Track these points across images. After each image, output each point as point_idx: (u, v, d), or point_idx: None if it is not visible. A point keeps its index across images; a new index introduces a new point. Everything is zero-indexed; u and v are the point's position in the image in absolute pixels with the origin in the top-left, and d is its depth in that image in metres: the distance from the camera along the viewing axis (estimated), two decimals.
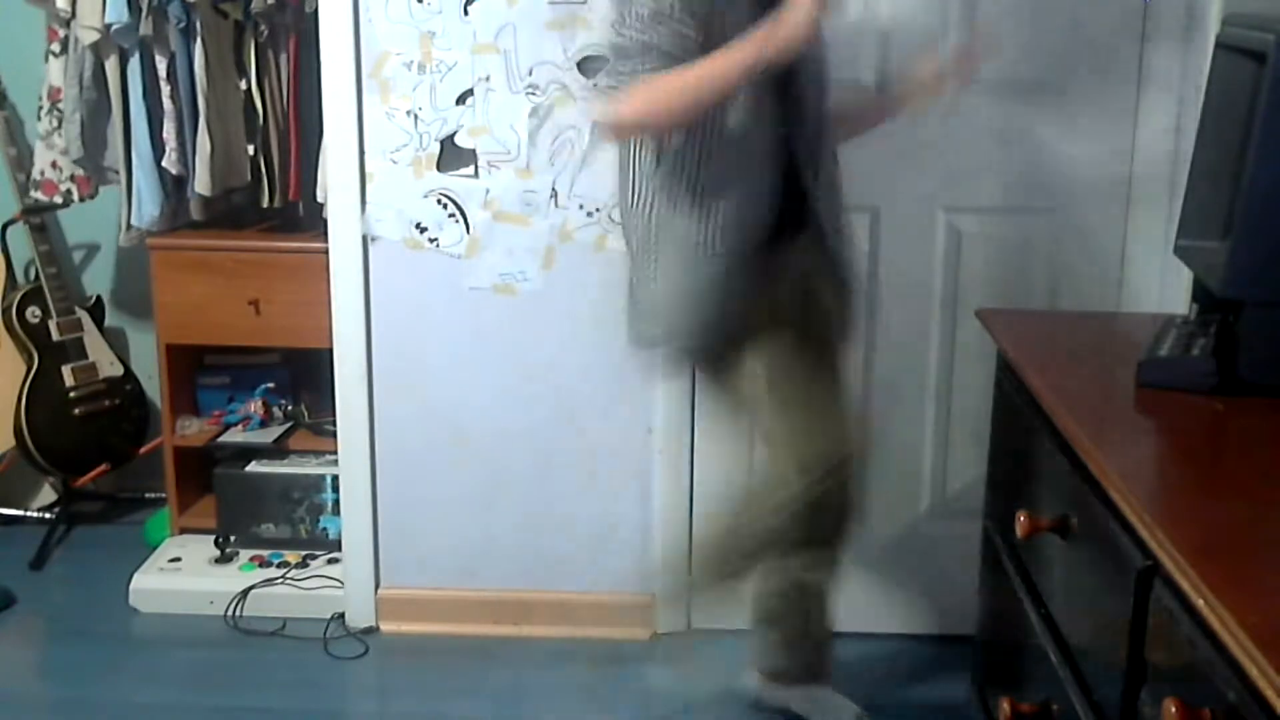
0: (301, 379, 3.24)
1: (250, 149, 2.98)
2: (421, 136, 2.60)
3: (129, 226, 3.01)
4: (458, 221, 2.64)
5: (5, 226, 3.21)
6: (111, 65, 2.92)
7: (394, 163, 2.62)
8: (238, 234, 3.09)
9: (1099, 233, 2.60)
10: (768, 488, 2.18)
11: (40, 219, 3.18)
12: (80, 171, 3.04)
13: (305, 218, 3.00)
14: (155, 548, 3.09)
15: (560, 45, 2.53)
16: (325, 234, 2.69)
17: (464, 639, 2.78)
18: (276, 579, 2.92)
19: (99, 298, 3.35)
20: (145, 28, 2.84)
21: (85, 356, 3.26)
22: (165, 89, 2.91)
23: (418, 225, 2.65)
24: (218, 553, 3.02)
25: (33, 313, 3.19)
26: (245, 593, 2.88)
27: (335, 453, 2.82)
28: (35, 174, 3.08)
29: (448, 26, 2.55)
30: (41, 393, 3.20)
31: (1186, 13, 2.46)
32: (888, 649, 2.77)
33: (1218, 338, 1.62)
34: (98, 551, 3.22)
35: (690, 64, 1.89)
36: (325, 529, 3.03)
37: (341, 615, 2.86)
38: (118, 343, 3.41)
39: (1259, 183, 1.49)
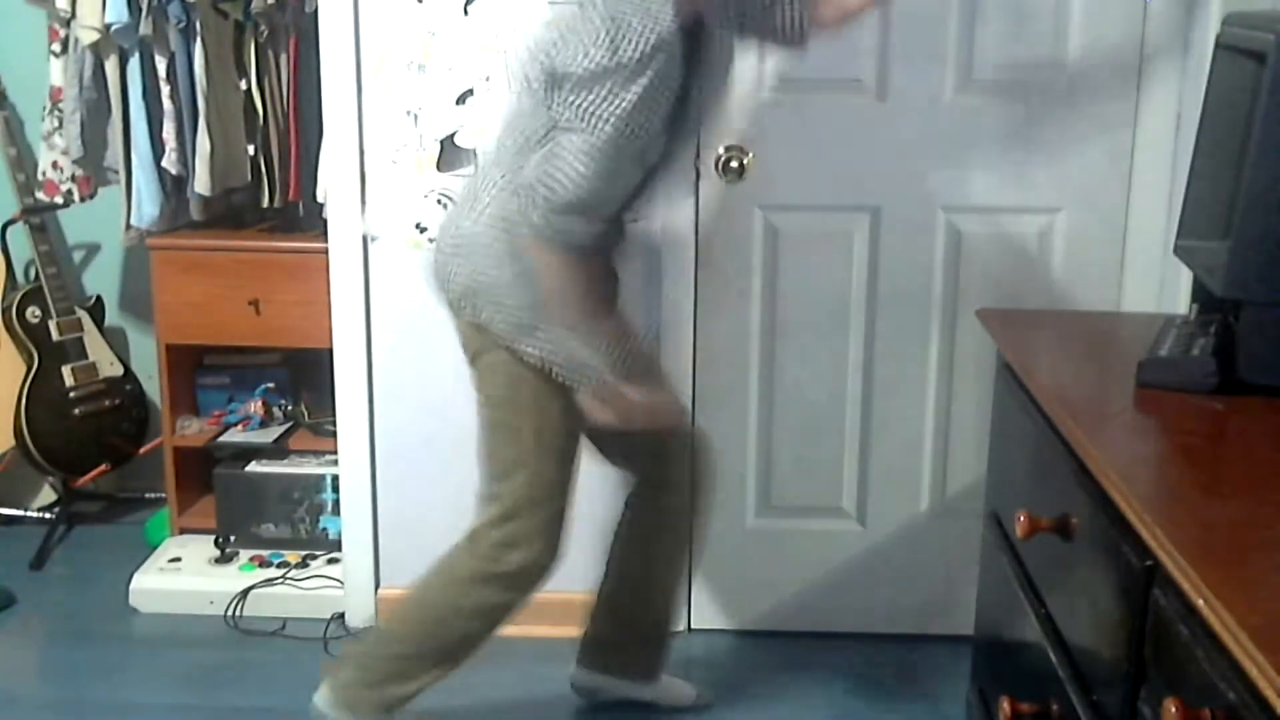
0: (301, 379, 3.24)
1: (250, 149, 2.98)
2: (421, 136, 2.61)
3: (129, 226, 3.01)
4: None
5: (5, 226, 3.21)
6: (111, 65, 2.92)
7: (394, 163, 2.62)
8: (238, 234, 3.09)
9: (1099, 233, 2.60)
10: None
11: (40, 219, 3.18)
12: (80, 172, 3.05)
13: (305, 218, 3.00)
14: (155, 548, 3.09)
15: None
16: (325, 234, 2.69)
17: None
18: (276, 579, 2.92)
19: (99, 298, 3.35)
20: (145, 28, 2.84)
21: (85, 356, 3.26)
22: (165, 89, 2.91)
23: (418, 225, 2.65)
24: (218, 553, 3.02)
25: (33, 313, 3.19)
26: (245, 593, 2.88)
27: (335, 453, 2.82)
28: (38, 174, 3.09)
29: (448, 26, 2.55)
30: (41, 393, 3.20)
31: (1186, 13, 2.47)
32: (888, 649, 2.77)
33: (1218, 338, 1.63)
34: (98, 551, 3.22)
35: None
36: (325, 529, 3.03)
37: (341, 615, 2.86)
38: (118, 343, 3.41)
39: (1259, 183, 1.49)
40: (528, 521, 2.11)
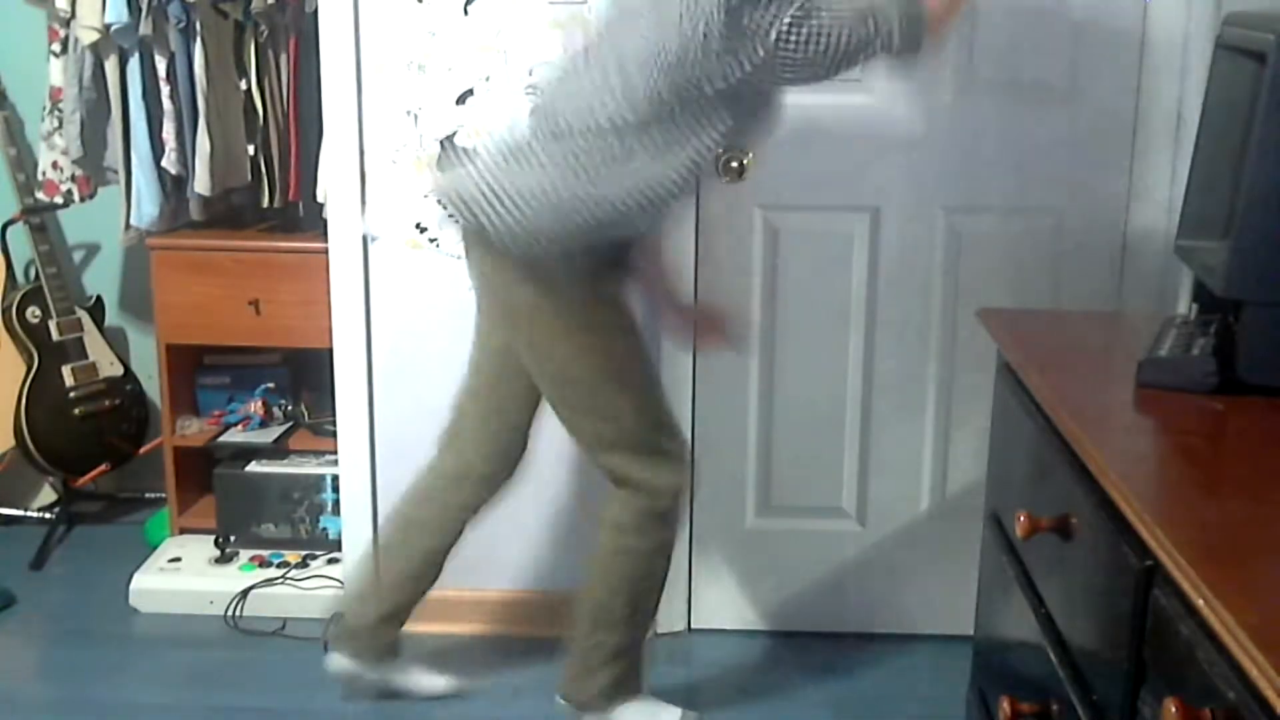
0: (301, 379, 3.24)
1: (250, 149, 2.98)
2: (421, 136, 2.61)
3: (129, 226, 3.01)
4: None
5: (5, 226, 3.21)
6: (111, 65, 2.92)
7: (394, 163, 2.62)
8: (238, 234, 3.10)
9: (1099, 233, 2.60)
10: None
11: (40, 219, 3.18)
12: (80, 171, 3.05)
13: (305, 218, 3.00)
14: (155, 548, 3.09)
15: (561, 45, 2.53)
16: (325, 234, 2.69)
17: (464, 639, 2.78)
18: (276, 579, 2.92)
19: (99, 298, 3.35)
20: (145, 28, 2.84)
21: (85, 356, 3.26)
22: (165, 89, 2.91)
23: (418, 225, 2.65)
24: (218, 553, 3.03)
25: (33, 313, 3.19)
26: (245, 593, 2.88)
27: (335, 453, 2.82)
28: (38, 174, 3.09)
29: (448, 26, 2.55)
30: (41, 393, 3.20)
31: (1186, 13, 2.47)
32: (888, 649, 2.77)
33: (1218, 338, 1.62)
34: (98, 551, 3.22)
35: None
36: (325, 529, 3.03)
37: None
38: (118, 343, 3.41)
39: (1259, 183, 1.49)
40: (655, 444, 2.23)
